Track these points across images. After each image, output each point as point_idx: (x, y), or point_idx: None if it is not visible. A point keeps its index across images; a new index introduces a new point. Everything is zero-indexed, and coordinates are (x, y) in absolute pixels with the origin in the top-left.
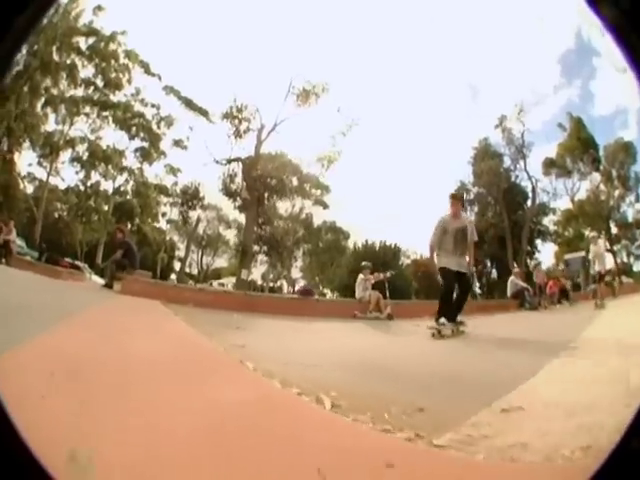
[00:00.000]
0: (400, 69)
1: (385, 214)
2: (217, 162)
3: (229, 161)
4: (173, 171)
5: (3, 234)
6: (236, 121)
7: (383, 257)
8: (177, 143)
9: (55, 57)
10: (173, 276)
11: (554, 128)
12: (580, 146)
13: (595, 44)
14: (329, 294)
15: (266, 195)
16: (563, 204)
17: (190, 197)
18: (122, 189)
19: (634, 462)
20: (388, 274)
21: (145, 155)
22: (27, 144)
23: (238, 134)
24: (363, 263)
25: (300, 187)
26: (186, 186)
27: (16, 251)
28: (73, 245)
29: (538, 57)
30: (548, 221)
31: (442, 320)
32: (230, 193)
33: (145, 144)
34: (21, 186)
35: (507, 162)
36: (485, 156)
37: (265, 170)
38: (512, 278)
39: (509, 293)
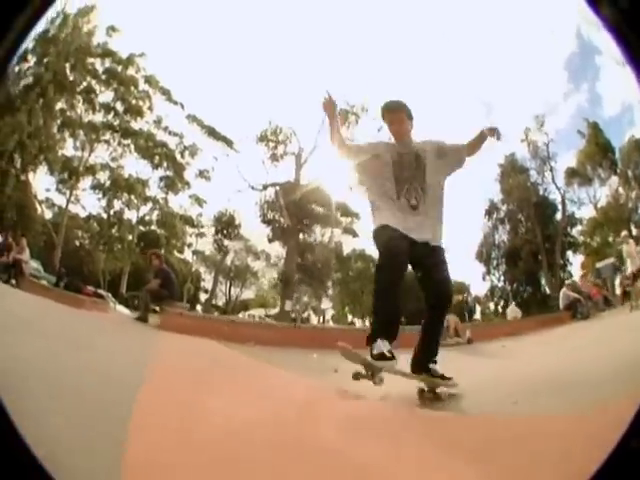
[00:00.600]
0: (424, 89)
1: None
2: (253, 188)
3: (265, 187)
4: (199, 202)
5: (13, 252)
6: (271, 144)
7: None
8: (202, 173)
9: (70, 75)
10: (199, 307)
11: (570, 136)
12: (599, 151)
13: (595, 42)
14: (359, 323)
15: (305, 222)
16: (587, 213)
17: (225, 225)
18: (147, 218)
19: (634, 462)
20: (463, 296)
21: (169, 185)
22: (44, 168)
23: (275, 158)
24: None
25: (331, 214)
26: (221, 213)
27: (29, 273)
28: (95, 273)
29: (546, 66)
30: (576, 232)
31: (378, 344)
32: (268, 220)
33: (169, 173)
34: (39, 210)
35: (533, 176)
36: (512, 172)
37: (305, 196)
38: (564, 290)
39: (562, 305)
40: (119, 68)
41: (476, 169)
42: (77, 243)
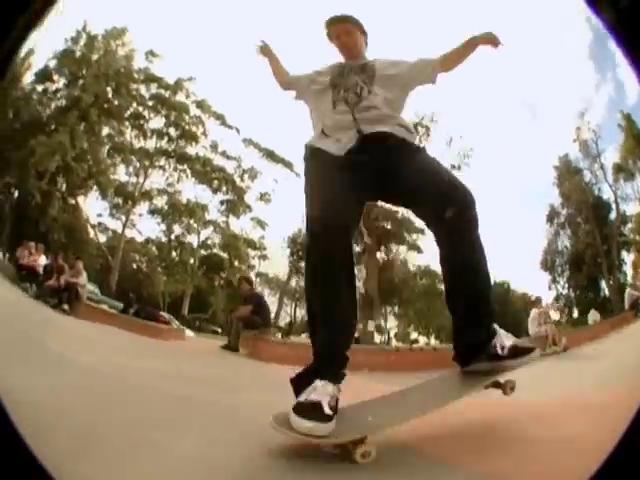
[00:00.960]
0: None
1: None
2: None
3: None
4: (261, 224)
5: (66, 275)
6: None
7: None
8: (262, 196)
9: (114, 100)
10: None
11: (608, 130)
12: (637, 144)
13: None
14: (424, 341)
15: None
16: (635, 209)
17: (301, 246)
18: (209, 242)
19: (634, 462)
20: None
21: (231, 209)
22: (96, 192)
23: None
24: (534, 297)
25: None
26: (295, 234)
27: (86, 297)
28: (154, 296)
29: (576, 58)
30: (627, 230)
31: (317, 384)
32: None
33: (230, 197)
34: (91, 234)
35: (587, 176)
36: (567, 174)
37: (382, 212)
38: (628, 290)
39: (627, 305)
40: (166, 94)
41: (533, 174)
42: (134, 266)
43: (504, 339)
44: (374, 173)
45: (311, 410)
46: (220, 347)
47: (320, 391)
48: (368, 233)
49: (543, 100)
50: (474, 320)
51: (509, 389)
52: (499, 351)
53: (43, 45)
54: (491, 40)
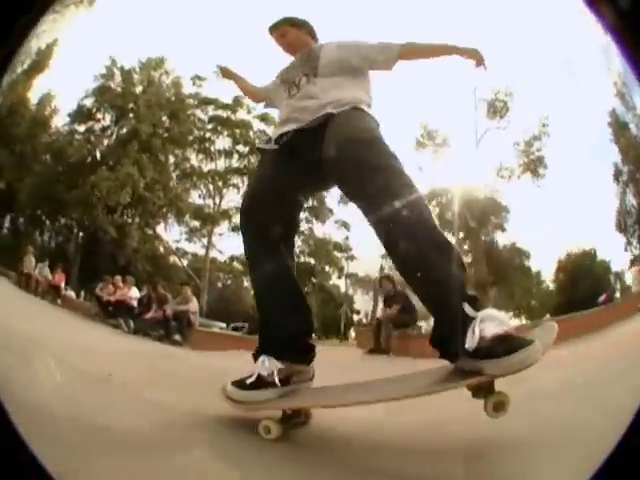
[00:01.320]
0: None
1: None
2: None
3: (434, 194)
4: (346, 226)
5: (172, 303)
6: (429, 149)
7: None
8: (342, 198)
9: (174, 128)
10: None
11: (630, 80)
12: None
13: None
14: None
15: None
16: None
17: None
18: (297, 251)
19: (634, 462)
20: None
21: (316, 215)
22: (170, 219)
23: (435, 161)
24: (633, 256)
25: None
26: None
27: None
28: (244, 310)
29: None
30: None
31: (259, 359)
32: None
33: (311, 203)
34: (172, 259)
35: (633, 129)
36: (619, 129)
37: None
38: None
39: None
40: (225, 114)
41: (593, 133)
42: (219, 285)
43: (486, 325)
44: (306, 163)
45: (243, 379)
46: (364, 353)
47: (259, 366)
48: (471, 216)
49: (577, 55)
50: (435, 294)
51: (491, 407)
52: (477, 342)
53: (64, 87)
54: (474, 57)
